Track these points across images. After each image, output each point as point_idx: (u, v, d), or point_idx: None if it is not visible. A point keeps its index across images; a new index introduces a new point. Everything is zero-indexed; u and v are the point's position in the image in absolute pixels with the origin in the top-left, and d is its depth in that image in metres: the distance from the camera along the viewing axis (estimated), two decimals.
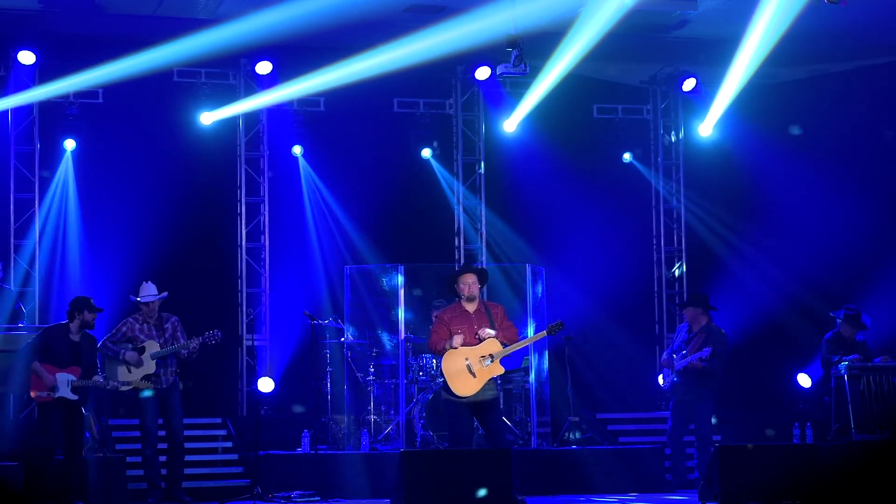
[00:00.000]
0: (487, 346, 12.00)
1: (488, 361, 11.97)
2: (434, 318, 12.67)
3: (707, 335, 14.04)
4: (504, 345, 12.02)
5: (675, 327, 15.80)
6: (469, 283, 12.18)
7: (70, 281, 15.66)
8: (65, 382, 12.40)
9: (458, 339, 11.96)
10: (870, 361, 14.37)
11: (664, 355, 14.33)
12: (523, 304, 15.49)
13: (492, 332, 12.05)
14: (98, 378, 12.63)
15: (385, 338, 15.46)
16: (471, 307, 12.19)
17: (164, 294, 13.22)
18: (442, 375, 12.05)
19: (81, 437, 12.69)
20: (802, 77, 17.58)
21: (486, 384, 11.97)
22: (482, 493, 11.19)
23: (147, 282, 13.29)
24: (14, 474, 11.50)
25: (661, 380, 14.35)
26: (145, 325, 13.14)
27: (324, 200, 16.78)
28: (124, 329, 13.16)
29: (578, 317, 16.04)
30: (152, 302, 13.15)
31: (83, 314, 12.59)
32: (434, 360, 14.63)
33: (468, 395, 11.95)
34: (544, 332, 12.37)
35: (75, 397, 12.46)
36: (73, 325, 12.61)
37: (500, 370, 12.09)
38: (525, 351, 15.25)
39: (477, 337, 12.03)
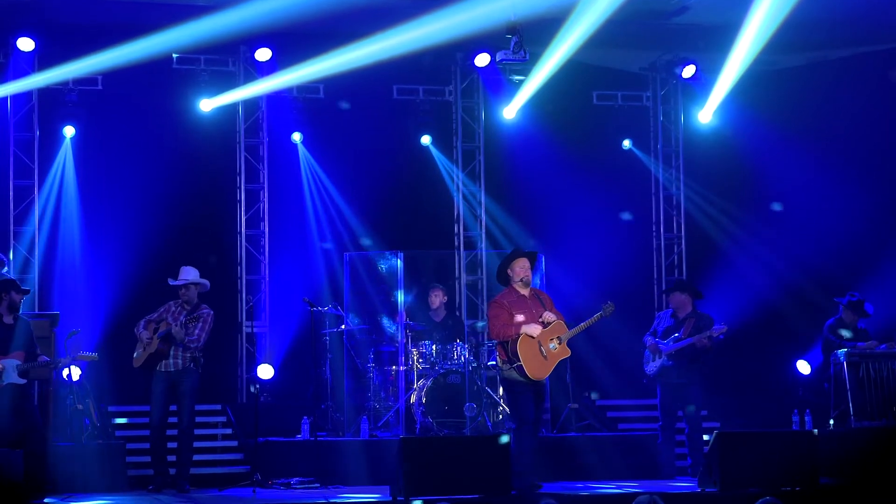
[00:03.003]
0: (555, 329, 12.06)
1: (555, 344, 12.02)
2: (490, 304, 12.53)
3: (697, 319, 14.07)
4: (568, 328, 12.14)
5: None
6: (523, 267, 12.24)
7: (69, 268, 15.65)
8: (11, 367, 12.28)
9: (536, 329, 11.94)
10: (874, 348, 14.40)
11: (647, 341, 14.28)
12: None
13: (554, 315, 12.10)
14: (43, 358, 12.54)
15: (385, 324, 15.47)
16: (525, 291, 12.23)
17: (202, 281, 13.11)
18: (515, 359, 11.95)
19: (35, 421, 12.53)
20: (802, 64, 17.56)
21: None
22: None
23: (185, 266, 13.24)
24: (13, 462, 11.48)
25: (650, 363, 14.28)
26: (179, 308, 13.10)
27: (323, 187, 16.78)
28: (161, 310, 13.14)
29: (578, 303, 16.01)
30: (183, 287, 13.07)
31: (10, 295, 12.43)
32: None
33: (542, 377, 12.06)
34: (601, 314, 12.36)
35: (24, 381, 12.31)
36: (3, 308, 12.48)
37: (568, 352, 12.22)
38: None
39: (541, 321, 12.03)
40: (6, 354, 12.30)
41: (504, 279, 12.38)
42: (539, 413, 12.35)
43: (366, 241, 16.58)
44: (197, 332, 12.92)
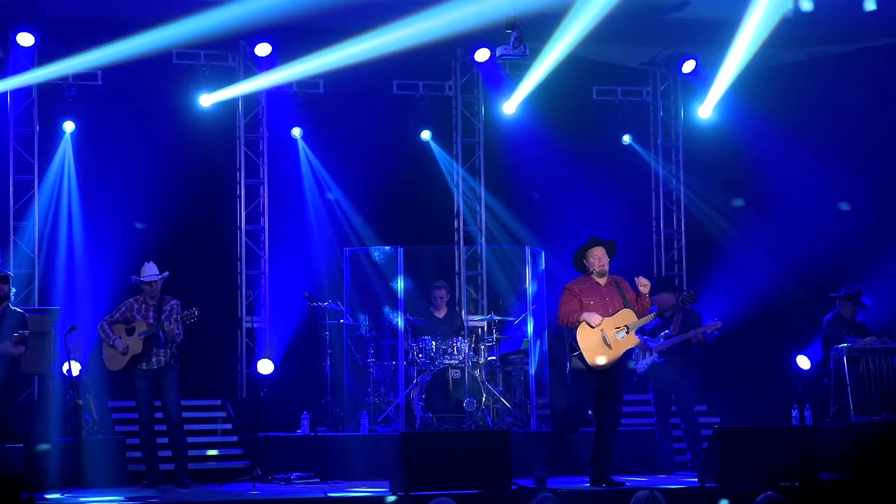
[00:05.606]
0: (622, 317, 11.98)
1: (623, 333, 11.96)
2: (563, 289, 12.36)
3: (685, 314, 14.08)
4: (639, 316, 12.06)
5: None
6: (598, 257, 12.14)
7: (70, 263, 15.66)
8: None
9: (595, 318, 11.88)
10: (873, 343, 14.39)
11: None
12: (522, 286, 15.52)
13: (646, 279, 12.02)
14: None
15: (384, 320, 15.47)
16: (601, 280, 12.14)
17: (165, 274, 13.12)
18: (577, 347, 11.92)
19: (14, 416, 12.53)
20: (802, 59, 17.56)
21: (620, 357, 12.00)
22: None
23: (148, 262, 13.23)
24: (13, 457, 11.49)
25: (640, 360, 14.29)
26: (144, 305, 13.08)
27: (323, 182, 16.77)
28: (123, 309, 13.11)
29: None
30: (153, 282, 13.08)
31: None
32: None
33: (604, 366, 11.91)
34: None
35: None
36: None
37: (636, 341, 12.15)
38: (524, 333, 15.29)
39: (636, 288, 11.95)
40: None
41: (581, 267, 12.29)
42: (614, 405, 12.10)
43: (366, 237, 16.57)
44: (175, 327, 12.97)
